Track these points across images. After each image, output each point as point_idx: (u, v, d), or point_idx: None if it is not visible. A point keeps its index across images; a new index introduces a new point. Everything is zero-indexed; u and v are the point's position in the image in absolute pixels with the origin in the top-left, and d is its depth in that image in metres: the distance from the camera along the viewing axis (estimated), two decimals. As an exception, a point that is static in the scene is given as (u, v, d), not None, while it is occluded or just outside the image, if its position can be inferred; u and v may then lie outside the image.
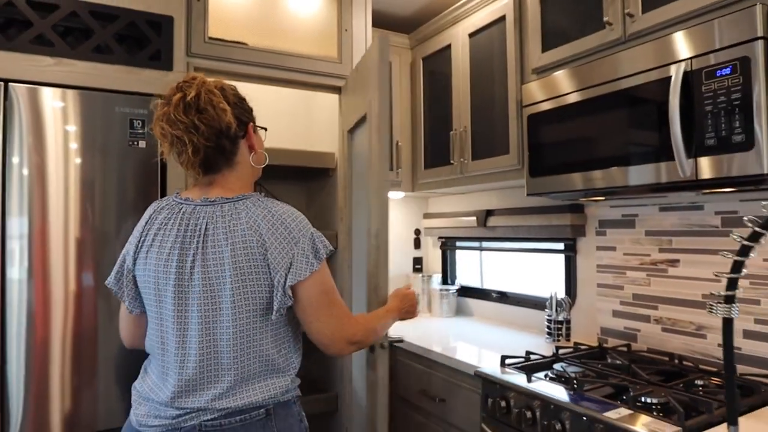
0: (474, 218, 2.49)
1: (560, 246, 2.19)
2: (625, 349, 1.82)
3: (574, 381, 1.41)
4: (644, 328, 1.84)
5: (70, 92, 1.51)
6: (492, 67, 2.11)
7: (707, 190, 1.44)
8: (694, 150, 1.31)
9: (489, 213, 2.43)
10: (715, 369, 1.54)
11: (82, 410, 1.49)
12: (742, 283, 1.58)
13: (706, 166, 1.29)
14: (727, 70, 1.25)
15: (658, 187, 1.41)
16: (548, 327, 2.07)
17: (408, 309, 1.50)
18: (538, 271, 2.39)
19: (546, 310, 2.10)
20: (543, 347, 1.96)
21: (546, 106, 1.71)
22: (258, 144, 1.28)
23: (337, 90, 2.13)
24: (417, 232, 2.96)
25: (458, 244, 2.79)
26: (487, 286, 2.66)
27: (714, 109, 1.27)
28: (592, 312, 2.03)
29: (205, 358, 1.11)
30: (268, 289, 1.12)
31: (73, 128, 1.51)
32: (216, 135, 1.14)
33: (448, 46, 2.34)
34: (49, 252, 1.46)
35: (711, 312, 0.59)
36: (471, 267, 2.79)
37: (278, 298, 1.12)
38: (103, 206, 1.53)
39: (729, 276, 0.60)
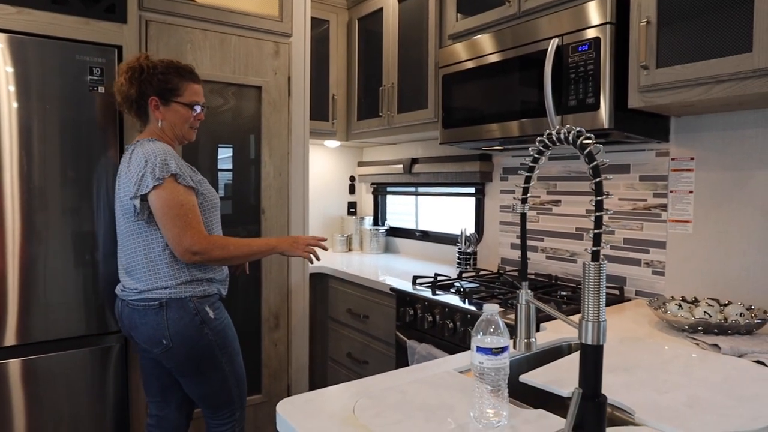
0: (401, 166, 2.81)
1: (472, 190, 2.56)
2: (516, 273, 2.23)
3: (466, 292, 1.79)
4: (534, 256, 2.25)
5: (31, 39, 1.68)
6: (417, 30, 2.39)
7: (575, 142, 1.81)
8: (562, 109, 1.66)
9: (414, 161, 2.76)
10: (574, 285, 1.95)
11: (32, 324, 1.70)
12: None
13: (569, 122, 1.65)
14: (585, 47, 1.59)
15: (536, 138, 1.76)
16: (459, 258, 2.45)
17: (294, 243, 1.67)
18: (456, 212, 2.76)
19: (457, 244, 2.47)
20: (453, 274, 2.35)
21: (456, 68, 2.02)
22: (164, 115, 1.60)
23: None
24: (352, 178, 3.26)
25: (388, 189, 3.12)
26: (412, 226, 3.02)
27: (575, 77, 1.62)
28: (495, 246, 2.43)
29: (123, 255, 1.57)
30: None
31: (33, 73, 1.68)
32: (122, 96, 1.60)
33: (380, 9, 2.59)
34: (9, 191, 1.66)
35: (513, 211, 0.92)
36: (397, 209, 3.14)
37: (134, 205, 1.49)
38: (70, 146, 1.74)
39: (522, 197, 0.94)
